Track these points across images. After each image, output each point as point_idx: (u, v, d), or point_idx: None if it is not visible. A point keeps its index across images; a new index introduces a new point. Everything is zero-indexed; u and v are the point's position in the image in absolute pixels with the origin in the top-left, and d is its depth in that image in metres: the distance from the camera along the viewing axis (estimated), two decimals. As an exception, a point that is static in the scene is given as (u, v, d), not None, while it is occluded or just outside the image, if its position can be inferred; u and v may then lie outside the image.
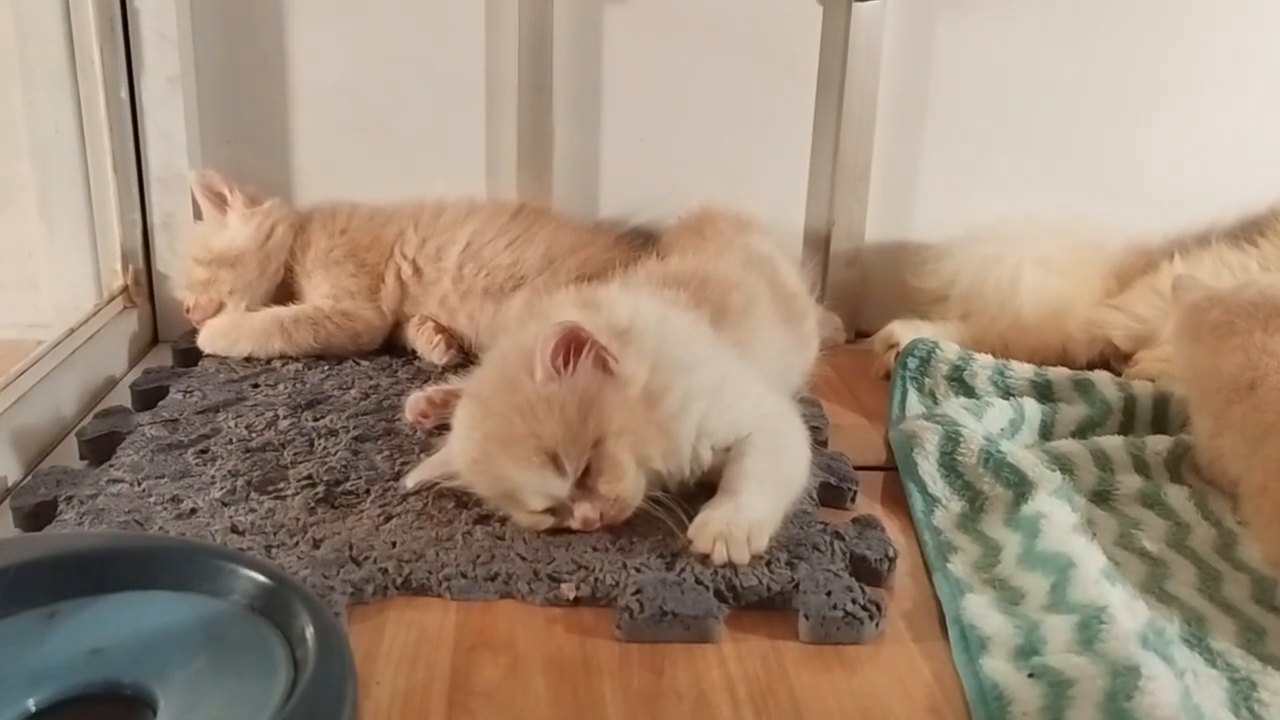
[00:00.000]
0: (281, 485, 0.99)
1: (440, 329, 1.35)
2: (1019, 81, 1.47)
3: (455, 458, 0.93)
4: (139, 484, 0.98)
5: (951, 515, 0.98)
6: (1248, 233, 1.39)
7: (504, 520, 0.93)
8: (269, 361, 1.31)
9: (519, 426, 0.88)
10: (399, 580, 0.84)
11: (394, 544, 0.89)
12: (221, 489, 0.98)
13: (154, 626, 0.65)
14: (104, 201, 1.36)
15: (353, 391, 1.23)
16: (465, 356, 1.32)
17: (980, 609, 0.81)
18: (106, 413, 1.15)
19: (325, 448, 1.07)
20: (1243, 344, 1.02)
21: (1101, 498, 1.02)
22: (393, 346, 1.38)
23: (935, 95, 1.48)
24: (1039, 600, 0.82)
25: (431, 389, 1.11)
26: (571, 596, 0.83)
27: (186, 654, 0.63)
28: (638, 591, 0.81)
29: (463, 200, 1.41)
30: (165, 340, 1.44)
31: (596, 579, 0.84)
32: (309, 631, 0.63)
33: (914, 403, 1.20)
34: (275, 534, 0.90)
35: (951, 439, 1.03)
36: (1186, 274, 1.21)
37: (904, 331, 1.35)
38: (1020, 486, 0.97)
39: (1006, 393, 1.20)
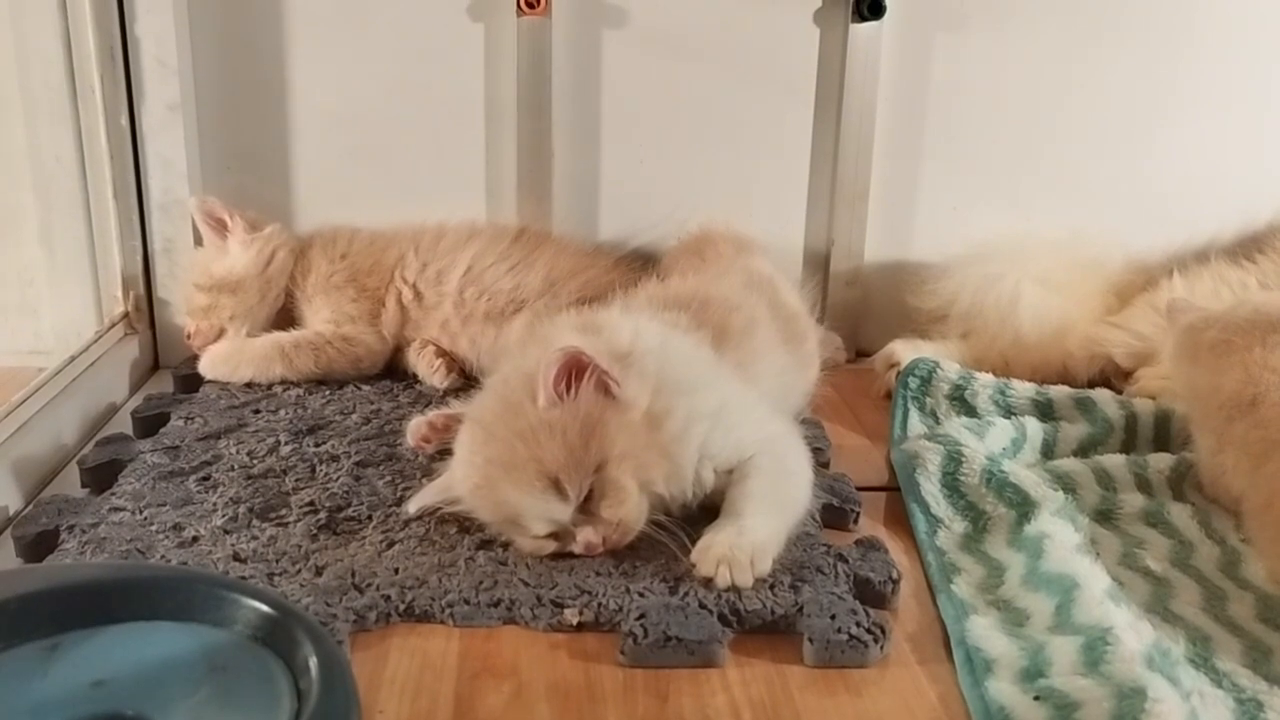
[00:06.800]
0: (283, 512, 0.99)
1: (441, 353, 1.35)
2: (1017, 100, 1.48)
3: (457, 483, 0.93)
4: (141, 512, 0.98)
5: (955, 536, 0.98)
6: (1246, 249, 1.39)
7: (506, 545, 0.92)
8: (270, 387, 1.31)
9: (521, 451, 0.87)
10: (402, 607, 0.84)
11: (396, 570, 0.89)
12: (223, 516, 0.98)
13: (156, 658, 0.65)
14: (105, 228, 1.37)
15: (354, 416, 1.22)
16: (466, 380, 1.32)
17: (985, 631, 0.81)
18: (108, 440, 1.15)
19: (327, 473, 1.07)
20: (1242, 361, 1.02)
21: (1105, 517, 1.02)
22: (394, 371, 1.38)
23: (933, 114, 1.48)
24: (1044, 621, 0.82)
25: (433, 413, 1.11)
26: (575, 622, 0.83)
27: (189, 685, 0.63)
28: (641, 616, 0.81)
29: (463, 224, 1.42)
30: (166, 366, 1.44)
31: (600, 604, 0.84)
32: (312, 661, 0.63)
33: (915, 422, 1.20)
34: (277, 561, 0.90)
35: (954, 459, 1.03)
36: (1180, 296, 1.22)
37: (905, 351, 1.35)
38: (1023, 506, 0.97)
39: (1008, 412, 1.20)
